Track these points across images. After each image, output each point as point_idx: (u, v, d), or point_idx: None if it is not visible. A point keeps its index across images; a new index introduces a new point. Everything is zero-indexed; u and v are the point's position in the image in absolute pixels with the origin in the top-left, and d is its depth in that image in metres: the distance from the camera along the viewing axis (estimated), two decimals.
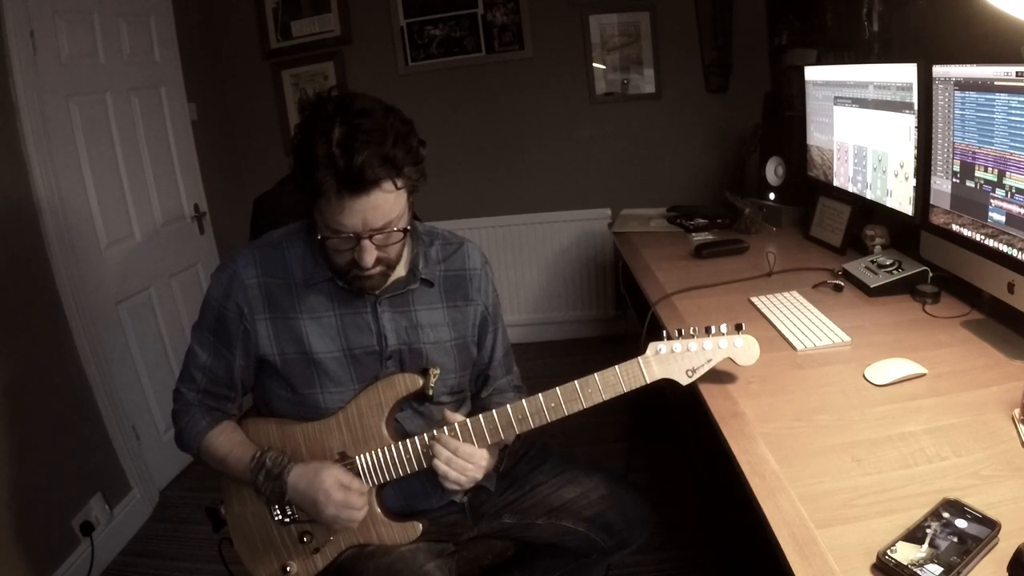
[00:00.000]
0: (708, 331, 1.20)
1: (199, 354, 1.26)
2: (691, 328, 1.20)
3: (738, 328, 1.21)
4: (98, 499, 2.22)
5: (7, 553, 1.87)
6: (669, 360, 1.19)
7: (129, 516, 2.36)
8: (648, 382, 1.19)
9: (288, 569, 1.24)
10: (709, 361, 1.20)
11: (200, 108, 3.01)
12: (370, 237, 1.09)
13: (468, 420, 1.20)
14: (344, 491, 1.17)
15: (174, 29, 2.81)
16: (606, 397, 1.18)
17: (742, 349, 1.20)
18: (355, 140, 1.02)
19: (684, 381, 1.20)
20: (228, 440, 1.26)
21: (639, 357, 1.19)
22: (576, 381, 1.18)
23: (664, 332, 1.21)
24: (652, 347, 1.20)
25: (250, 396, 1.36)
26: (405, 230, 1.14)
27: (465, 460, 1.18)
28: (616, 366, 1.18)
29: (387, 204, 1.08)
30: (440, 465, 1.18)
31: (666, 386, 1.21)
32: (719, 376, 1.31)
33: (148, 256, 2.63)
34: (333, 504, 1.16)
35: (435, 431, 1.20)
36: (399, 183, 1.08)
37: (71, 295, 2.20)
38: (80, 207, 2.30)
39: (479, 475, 1.20)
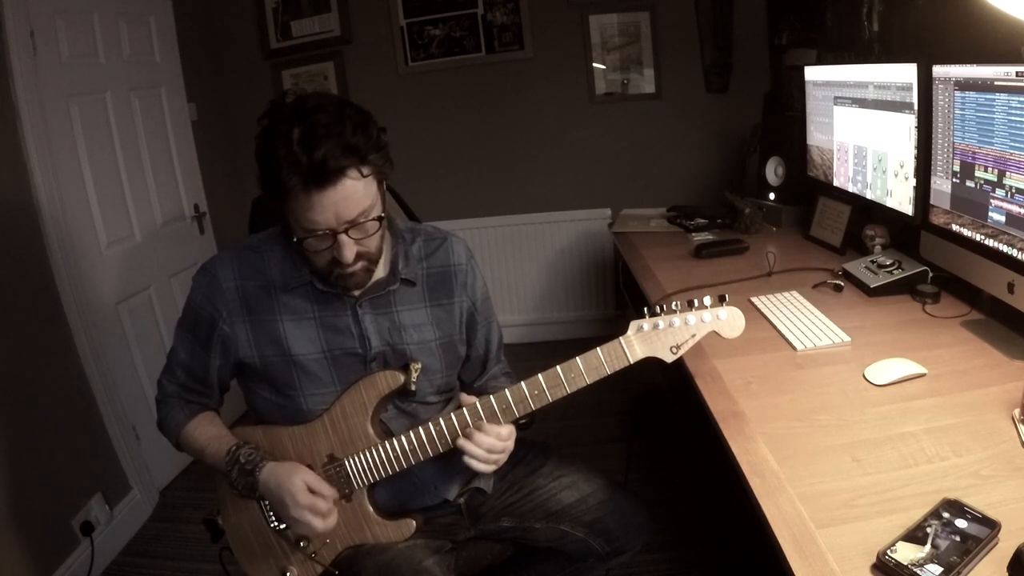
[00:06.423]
0: (691, 305, 1.14)
1: (179, 351, 1.28)
2: (673, 303, 1.15)
3: (721, 300, 1.15)
4: (98, 499, 2.22)
5: (7, 553, 1.87)
6: (652, 338, 1.14)
7: (129, 516, 2.36)
8: (632, 362, 1.15)
9: (288, 574, 1.25)
10: (693, 336, 1.14)
11: (200, 108, 3.01)
12: (346, 231, 1.08)
13: (479, 401, 1.18)
14: (311, 496, 1.17)
15: (174, 29, 2.81)
16: (590, 381, 1.15)
17: (726, 321, 1.15)
18: (314, 135, 1.01)
19: (669, 358, 1.15)
20: (205, 433, 1.27)
21: (621, 337, 1.15)
22: (558, 366, 1.15)
23: (645, 308, 1.16)
24: (634, 325, 1.14)
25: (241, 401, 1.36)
26: (380, 218, 1.12)
27: (504, 443, 1.17)
28: (598, 348, 1.15)
29: (357, 194, 1.06)
30: (479, 455, 1.16)
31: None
32: (719, 376, 1.32)
33: (148, 256, 2.62)
34: (298, 507, 1.16)
35: (457, 417, 1.17)
36: (365, 171, 1.07)
37: (71, 295, 2.20)
38: (80, 207, 2.30)
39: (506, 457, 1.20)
